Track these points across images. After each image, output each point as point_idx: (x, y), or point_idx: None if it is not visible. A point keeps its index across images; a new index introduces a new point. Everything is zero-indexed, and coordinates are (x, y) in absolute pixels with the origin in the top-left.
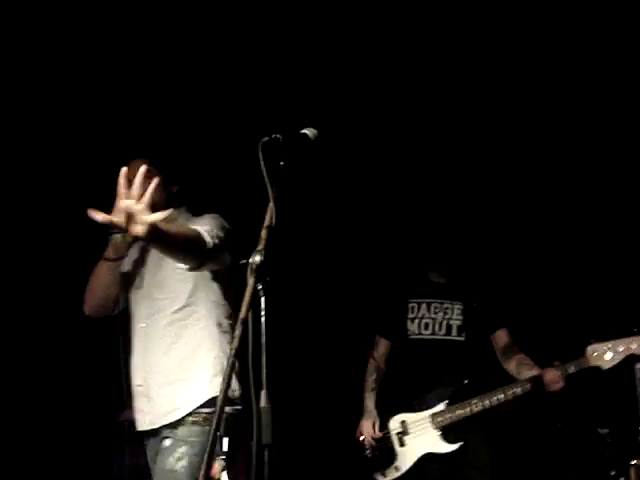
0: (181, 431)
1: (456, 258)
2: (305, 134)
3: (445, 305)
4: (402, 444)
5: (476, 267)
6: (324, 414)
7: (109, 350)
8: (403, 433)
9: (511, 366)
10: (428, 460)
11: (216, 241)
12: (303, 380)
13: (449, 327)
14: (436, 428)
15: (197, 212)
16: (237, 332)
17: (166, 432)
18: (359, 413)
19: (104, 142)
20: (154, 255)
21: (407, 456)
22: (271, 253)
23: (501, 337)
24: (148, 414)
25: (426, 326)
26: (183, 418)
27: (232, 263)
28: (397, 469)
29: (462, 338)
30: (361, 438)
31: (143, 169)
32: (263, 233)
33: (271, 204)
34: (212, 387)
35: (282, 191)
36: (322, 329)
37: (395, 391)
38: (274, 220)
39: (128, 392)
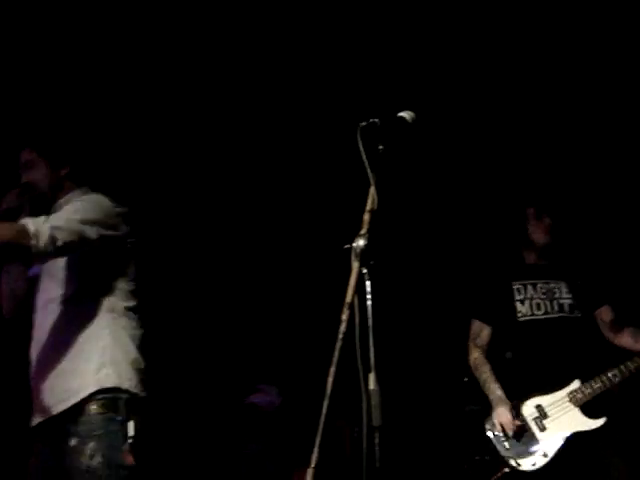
0: (82, 427)
1: (559, 240)
2: (402, 117)
3: (551, 285)
4: (543, 429)
5: (575, 246)
6: (425, 396)
7: None
8: (541, 417)
9: (624, 339)
10: (575, 440)
11: (55, 233)
12: (409, 363)
13: (561, 306)
14: (577, 406)
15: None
16: (344, 316)
17: (68, 428)
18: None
19: None
20: None
21: (552, 440)
22: (374, 237)
23: (606, 313)
24: (38, 407)
25: (538, 306)
26: (76, 411)
27: (120, 244)
28: (545, 455)
29: (578, 315)
30: (496, 430)
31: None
32: (365, 217)
33: (372, 188)
34: (98, 378)
35: (382, 175)
36: (423, 314)
37: (508, 377)
38: (376, 204)
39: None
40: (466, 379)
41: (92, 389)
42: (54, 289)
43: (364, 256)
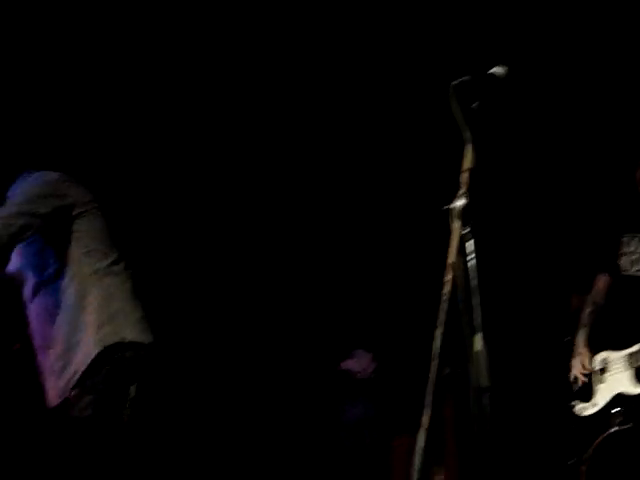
0: (88, 382)
1: None
2: (494, 73)
3: None
4: (601, 381)
5: None
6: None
7: None
8: (603, 370)
9: None
10: (618, 400)
11: (11, 227)
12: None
13: None
14: (630, 368)
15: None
16: (447, 277)
17: None
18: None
19: None
20: None
21: (604, 393)
22: (474, 196)
23: None
24: (54, 392)
25: (634, 263)
26: (86, 374)
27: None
28: (594, 405)
29: None
30: (571, 375)
31: None
32: (463, 176)
33: (468, 147)
34: (99, 339)
35: (478, 133)
36: (525, 271)
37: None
38: (473, 162)
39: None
40: (568, 338)
41: (95, 351)
42: (35, 276)
43: (464, 216)
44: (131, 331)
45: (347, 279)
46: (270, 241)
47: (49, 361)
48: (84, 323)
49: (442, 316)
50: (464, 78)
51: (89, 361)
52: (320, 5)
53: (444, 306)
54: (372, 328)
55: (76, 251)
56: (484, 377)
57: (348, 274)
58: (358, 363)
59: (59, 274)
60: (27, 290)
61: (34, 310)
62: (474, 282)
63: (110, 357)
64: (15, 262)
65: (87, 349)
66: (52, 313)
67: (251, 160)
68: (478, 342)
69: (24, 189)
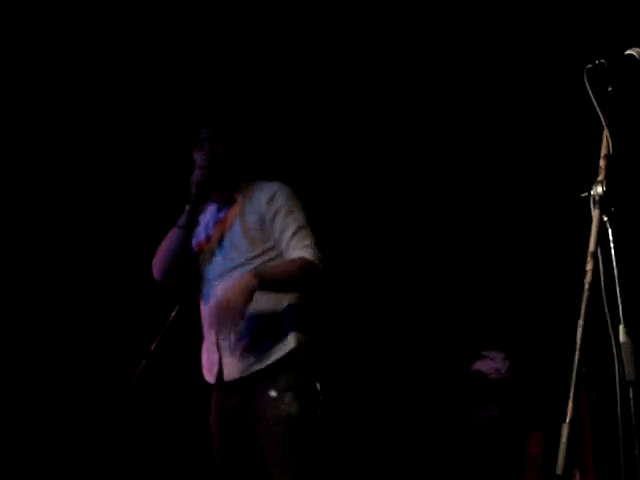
0: (281, 381)
1: None
2: (631, 55)
3: None
4: None
5: None
6: None
7: None
8: None
9: None
10: None
11: (316, 251)
12: None
13: None
14: None
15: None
16: (588, 266)
17: (267, 382)
18: None
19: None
20: (225, 218)
21: None
22: (613, 183)
23: None
24: (232, 366)
25: None
26: (276, 367)
27: None
28: None
29: None
30: None
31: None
32: (602, 163)
33: (605, 132)
34: (295, 336)
35: (615, 117)
36: None
37: None
38: (611, 148)
39: (207, 347)
40: None
41: (291, 346)
42: (237, 257)
43: (604, 203)
44: (315, 331)
45: (479, 274)
46: (397, 238)
47: (235, 336)
48: (281, 314)
49: (584, 306)
50: (599, 61)
51: (282, 354)
52: None
53: (586, 295)
54: (504, 325)
55: (272, 243)
56: (630, 370)
57: (480, 269)
58: (489, 364)
59: (259, 260)
60: (220, 266)
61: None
62: (616, 271)
63: (301, 354)
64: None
65: (283, 341)
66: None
67: (374, 157)
68: (622, 333)
69: (292, 207)
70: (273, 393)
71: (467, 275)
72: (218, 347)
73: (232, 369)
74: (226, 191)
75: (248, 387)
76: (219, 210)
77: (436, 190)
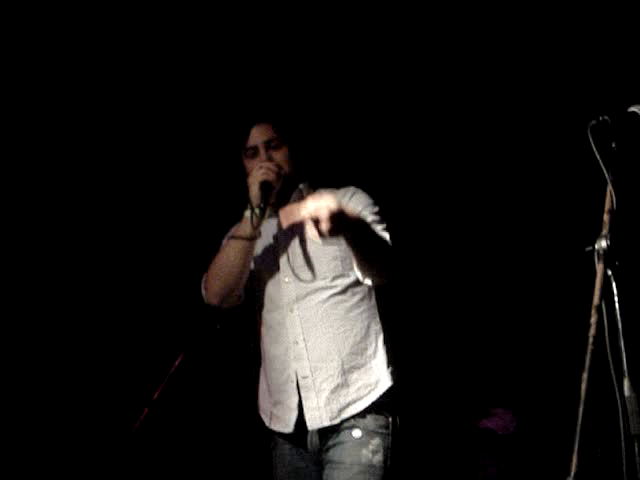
0: (370, 422)
1: None
2: (634, 112)
3: None
4: None
5: None
6: None
7: None
8: None
9: None
10: None
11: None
12: None
13: None
14: None
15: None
16: (592, 319)
17: (354, 421)
18: None
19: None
20: (294, 231)
21: None
22: (617, 237)
23: None
24: (321, 409)
25: None
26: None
27: None
28: None
29: None
30: None
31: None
32: (606, 217)
33: (609, 187)
34: (390, 373)
35: (619, 173)
36: None
37: None
38: (615, 203)
39: (278, 389)
40: None
41: (387, 384)
42: (315, 281)
43: (608, 257)
44: (399, 372)
45: (484, 332)
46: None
47: (321, 371)
48: (373, 348)
49: (588, 359)
50: (602, 117)
51: (380, 393)
52: None
53: (590, 348)
54: (511, 383)
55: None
56: (635, 424)
57: (485, 326)
58: (498, 421)
59: (345, 286)
60: (295, 288)
61: (301, 312)
62: (620, 325)
63: (389, 393)
64: (279, 257)
65: (380, 378)
66: (335, 323)
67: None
68: (627, 387)
69: (367, 202)
70: (358, 433)
71: (472, 330)
72: (298, 388)
73: (318, 415)
74: (287, 199)
75: (331, 431)
76: (281, 222)
77: (438, 247)
